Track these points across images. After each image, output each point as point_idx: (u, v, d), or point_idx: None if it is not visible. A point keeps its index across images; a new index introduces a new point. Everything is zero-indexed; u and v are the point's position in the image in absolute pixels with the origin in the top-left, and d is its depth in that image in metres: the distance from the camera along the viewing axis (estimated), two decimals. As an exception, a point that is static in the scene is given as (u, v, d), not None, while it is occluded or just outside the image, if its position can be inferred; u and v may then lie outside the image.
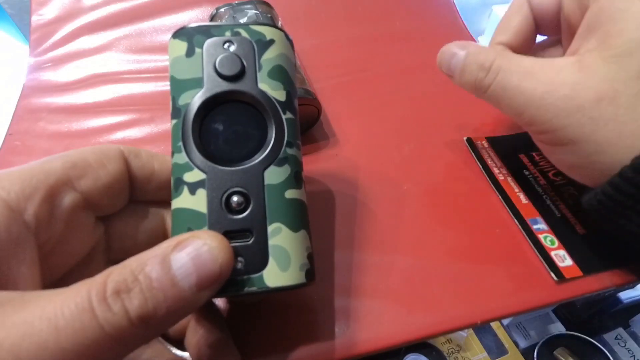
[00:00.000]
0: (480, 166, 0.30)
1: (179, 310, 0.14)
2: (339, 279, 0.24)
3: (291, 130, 0.18)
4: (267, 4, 0.36)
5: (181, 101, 0.18)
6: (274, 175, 0.18)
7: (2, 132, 0.34)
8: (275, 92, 0.18)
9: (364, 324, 0.22)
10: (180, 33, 0.18)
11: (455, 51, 0.25)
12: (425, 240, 0.26)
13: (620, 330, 0.75)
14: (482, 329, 0.75)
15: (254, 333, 0.22)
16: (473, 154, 0.31)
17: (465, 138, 0.32)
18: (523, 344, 0.74)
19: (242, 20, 0.33)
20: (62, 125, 0.35)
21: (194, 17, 0.44)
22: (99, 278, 0.13)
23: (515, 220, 0.27)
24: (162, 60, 0.40)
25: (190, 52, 0.18)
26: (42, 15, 0.43)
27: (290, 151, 0.18)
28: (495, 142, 0.32)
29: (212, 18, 0.34)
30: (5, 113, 0.36)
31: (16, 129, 0.35)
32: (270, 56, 0.19)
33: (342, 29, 0.44)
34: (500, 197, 0.28)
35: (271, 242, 0.17)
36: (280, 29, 0.19)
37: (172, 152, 0.18)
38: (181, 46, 0.18)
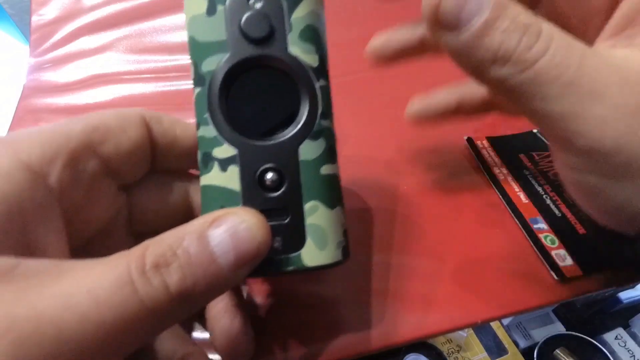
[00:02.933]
0: (481, 166, 0.30)
1: (216, 287, 0.14)
2: (338, 279, 0.24)
3: (325, 99, 0.17)
4: None
5: (204, 67, 0.16)
6: (309, 150, 0.17)
7: (2, 133, 0.34)
8: (307, 56, 0.17)
9: (363, 324, 0.22)
10: None
11: None
12: (425, 240, 0.26)
13: (620, 330, 0.75)
14: (482, 329, 0.75)
15: (254, 333, 0.22)
16: (473, 153, 0.31)
17: (465, 138, 0.32)
18: (523, 344, 0.75)
19: None
20: (62, 126, 0.35)
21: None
22: (136, 251, 0.13)
23: (516, 220, 0.27)
24: (162, 61, 0.40)
25: (211, 10, 0.16)
26: (42, 16, 0.43)
27: (324, 123, 0.17)
28: (495, 142, 0.32)
29: None
30: (5, 113, 0.36)
31: (16, 129, 0.35)
32: (301, 14, 0.16)
33: (341, 29, 0.44)
34: (500, 196, 0.28)
35: (308, 220, 0.16)
36: None
37: (198, 123, 0.16)
38: (200, 2, 0.16)
